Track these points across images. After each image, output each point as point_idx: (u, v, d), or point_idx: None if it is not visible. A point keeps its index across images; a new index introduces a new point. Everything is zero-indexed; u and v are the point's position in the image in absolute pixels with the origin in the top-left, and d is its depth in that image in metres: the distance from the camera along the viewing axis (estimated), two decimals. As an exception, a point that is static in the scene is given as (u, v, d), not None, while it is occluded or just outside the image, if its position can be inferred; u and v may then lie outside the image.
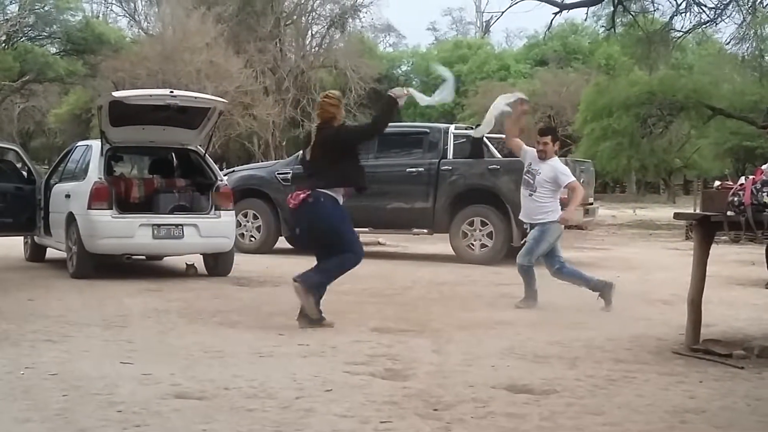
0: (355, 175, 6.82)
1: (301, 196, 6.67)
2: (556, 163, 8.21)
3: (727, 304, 8.33)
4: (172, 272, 10.80)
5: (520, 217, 8.40)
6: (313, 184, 6.68)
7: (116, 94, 10.70)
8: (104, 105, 9.94)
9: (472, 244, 12.36)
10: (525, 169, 8.22)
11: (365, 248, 15.56)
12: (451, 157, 12.67)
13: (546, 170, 8.07)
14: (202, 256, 10.47)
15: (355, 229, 7.11)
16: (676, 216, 6.90)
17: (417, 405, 4.45)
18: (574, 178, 8.23)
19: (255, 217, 13.40)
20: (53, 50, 41.89)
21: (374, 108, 41.56)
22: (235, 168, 16.37)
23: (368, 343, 6.12)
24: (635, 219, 26.62)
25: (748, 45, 24.06)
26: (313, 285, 6.70)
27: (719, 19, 22.04)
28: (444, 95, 7.15)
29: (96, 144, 10.44)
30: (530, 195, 8.10)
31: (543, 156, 8.12)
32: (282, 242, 13.84)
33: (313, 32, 41.39)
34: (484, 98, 40.78)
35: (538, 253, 8.07)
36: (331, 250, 6.83)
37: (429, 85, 49.64)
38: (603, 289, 8.07)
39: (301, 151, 13.40)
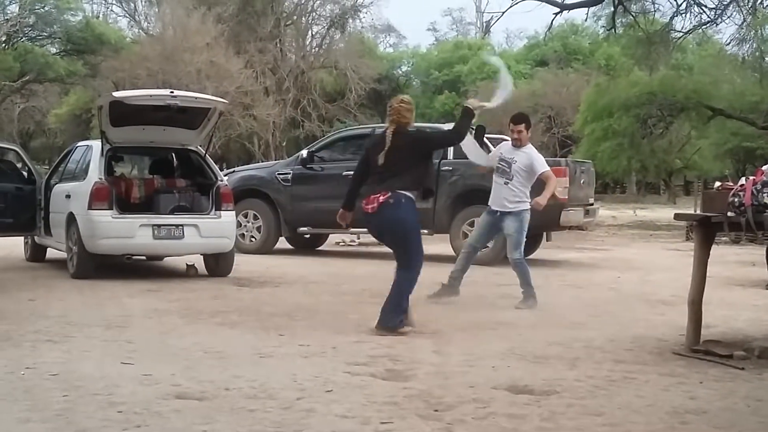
0: (429, 178, 6.95)
1: (381, 198, 6.55)
2: (531, 150, 8.25)
3: (728, 304, 8.32)
4: (173, 273, 10.80)
5: (490, 204, 8.34)
6: (392, 186, 6.58)
7: (116, 94, 10.69)
8: (104, 105, 9.94)
9: (473, 245, 12.33)
10: (499, 158, 8.25)
11: (367, 248, 15.51)
12: (451, 157, 12.64)
13: (522, 158, 8.11)
14: (202, 256, 10.47)
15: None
16: (677, 217, 6.90)
17: (418, 405, 4.45)
18: (548, 168, 8.32)
19: (255, 218, 13.39)
20: (53, 50, 41.94)
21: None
22: (236, 168, 16.36)
23: (369, 343, 6.12)
24: (635, 220, 26.62)
25: (748, 46, 24.13)
26: (393, 320, 6.57)
27: (719, 19, 22.11)
28: (505, 91, 7.34)
29: (96, 144, 10.43)
30: (505, 183, 8.13)
31: (518, 144, 8.17)
32: (282, 243, 13.84)
33: (314, 32, 41.49)
34: (485, 99, 40.84)
35: (523, 242, 8.16)
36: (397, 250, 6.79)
37: (428, 86, 49.87)
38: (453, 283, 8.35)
39: (305, 151, 13.49)
